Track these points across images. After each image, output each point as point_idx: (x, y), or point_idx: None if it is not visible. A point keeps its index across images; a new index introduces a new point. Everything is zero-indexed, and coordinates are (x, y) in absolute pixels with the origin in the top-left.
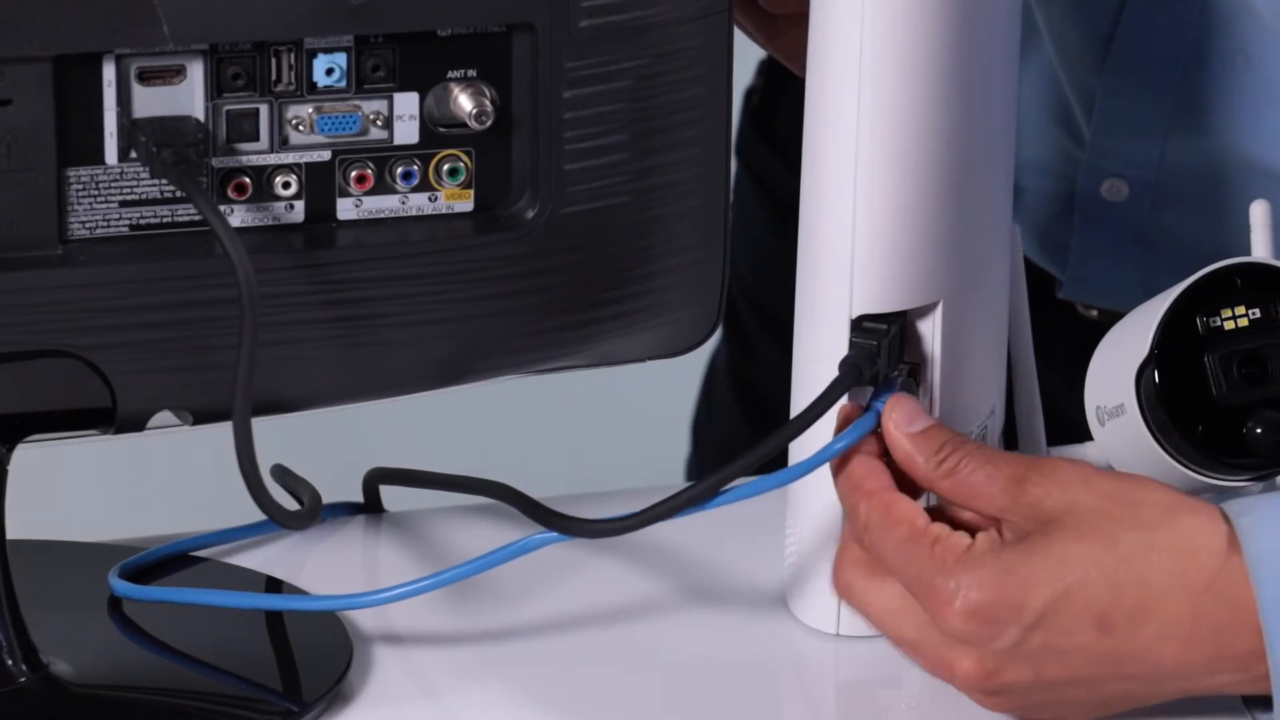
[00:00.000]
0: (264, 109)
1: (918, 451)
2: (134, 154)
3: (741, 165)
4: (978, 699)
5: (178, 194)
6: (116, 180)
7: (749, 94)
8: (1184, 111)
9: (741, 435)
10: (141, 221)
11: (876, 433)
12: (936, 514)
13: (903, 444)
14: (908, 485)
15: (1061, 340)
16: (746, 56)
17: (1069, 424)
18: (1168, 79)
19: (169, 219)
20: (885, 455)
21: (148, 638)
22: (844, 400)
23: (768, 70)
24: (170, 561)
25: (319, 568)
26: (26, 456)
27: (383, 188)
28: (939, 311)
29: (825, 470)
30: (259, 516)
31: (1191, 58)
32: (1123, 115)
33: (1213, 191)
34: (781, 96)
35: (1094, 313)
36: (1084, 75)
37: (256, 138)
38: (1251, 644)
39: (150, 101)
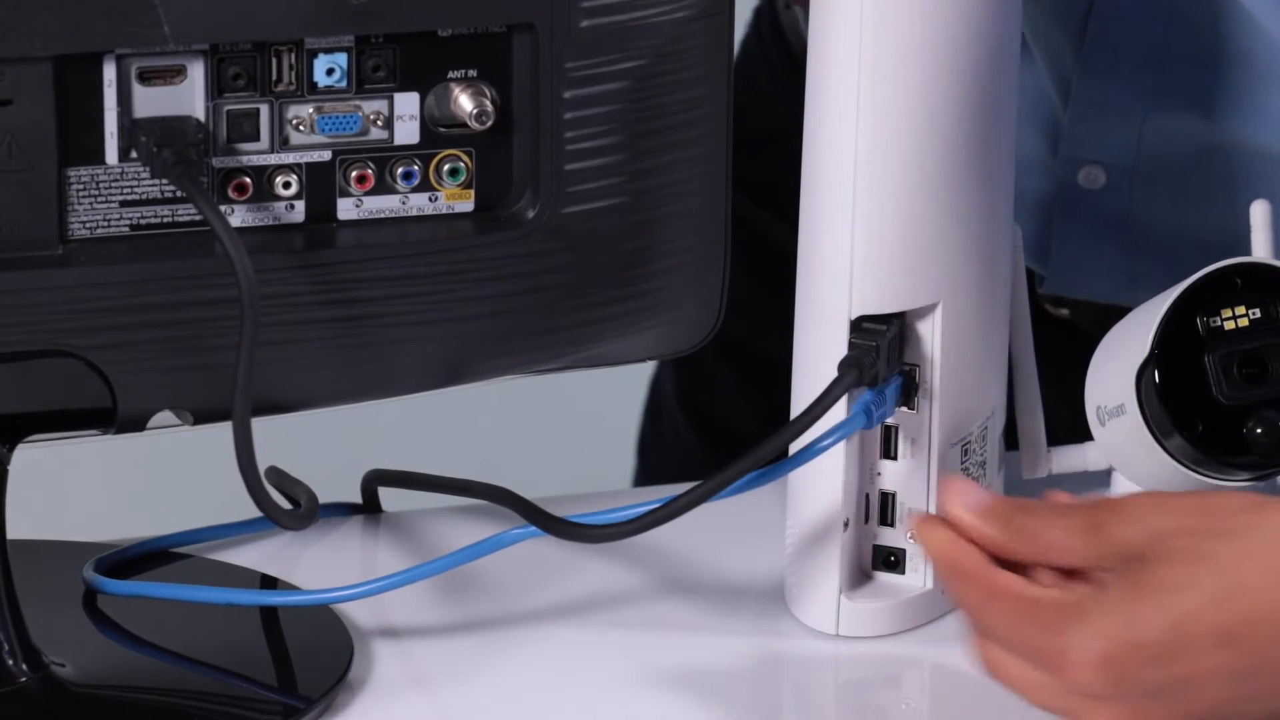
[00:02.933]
0: (264, 109)
1: (988, 526)
2: (134, 154)
3: None
4: None
5: (178, 194)
6: (117, 180)
7: None
8: (1161, 95)
9: (697, 458)
10: (142, 221)
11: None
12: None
13: (972, 524)
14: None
15: (1041, 344)
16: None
17: (1050, 428)
18: (1143, 64)
19: (169, 219)
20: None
21: (148, 638)
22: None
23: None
24: (157, 558)
25: (312, 566)
26: (26, 456)
27: (383, 188)
28: (938, 312)
29: (824, 471)
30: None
31: (1167, 41)
32: (1098, 102)
33: (1191, 175)
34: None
35: (1064, 311)
36: (1062, 66)
37: (257, 138)
38: None
39: (151, 101)
